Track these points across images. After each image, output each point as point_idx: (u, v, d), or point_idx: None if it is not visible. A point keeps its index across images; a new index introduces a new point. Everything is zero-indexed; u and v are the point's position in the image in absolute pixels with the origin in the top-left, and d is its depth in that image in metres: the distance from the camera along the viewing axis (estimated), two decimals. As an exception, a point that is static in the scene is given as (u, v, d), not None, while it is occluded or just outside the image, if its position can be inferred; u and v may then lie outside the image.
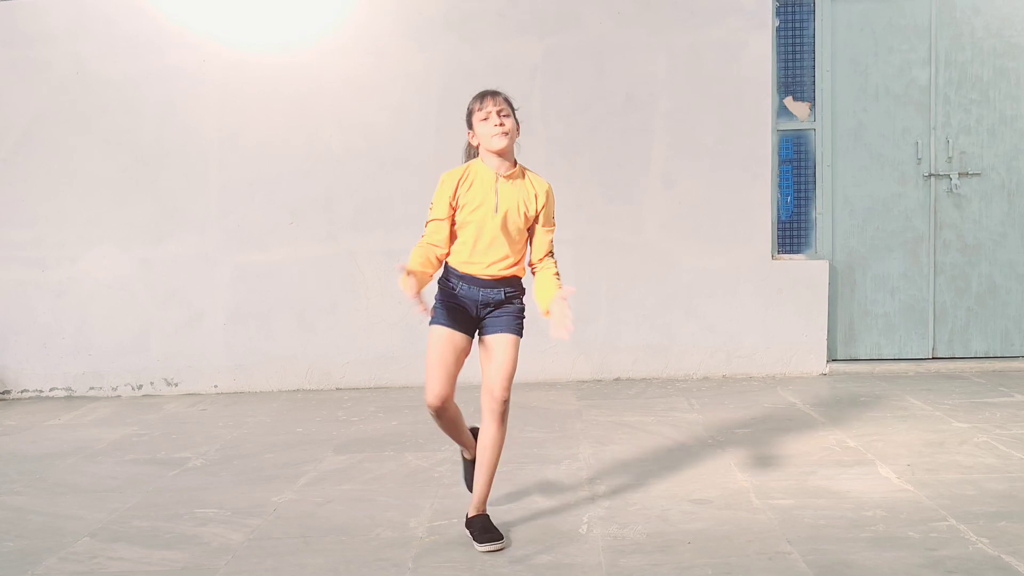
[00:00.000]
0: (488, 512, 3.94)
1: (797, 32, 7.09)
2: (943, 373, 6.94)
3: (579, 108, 7.04)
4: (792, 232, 7.17)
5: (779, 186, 7.15)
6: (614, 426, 5.67)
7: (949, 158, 7.11)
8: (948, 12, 7.06)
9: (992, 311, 7.16)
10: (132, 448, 5.61)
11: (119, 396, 7.16)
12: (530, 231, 3.98)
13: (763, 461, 4.88)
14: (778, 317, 7.06)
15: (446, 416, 3.93)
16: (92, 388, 7.17)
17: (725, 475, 4.68)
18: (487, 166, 3.91)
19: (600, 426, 5.70)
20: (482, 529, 3.86)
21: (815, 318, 7.04)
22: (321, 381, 7.15)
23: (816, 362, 7.06)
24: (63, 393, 7.19)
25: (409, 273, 3.69)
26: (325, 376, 7.14)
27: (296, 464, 5.11)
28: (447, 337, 3.88)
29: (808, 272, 7.06)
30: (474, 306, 3.91)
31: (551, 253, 4.00)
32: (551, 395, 6.66)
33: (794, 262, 7.10)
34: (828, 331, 7.08)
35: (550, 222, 4.00)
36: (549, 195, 3.97)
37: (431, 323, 3.92)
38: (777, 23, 7.08)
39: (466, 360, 3.95)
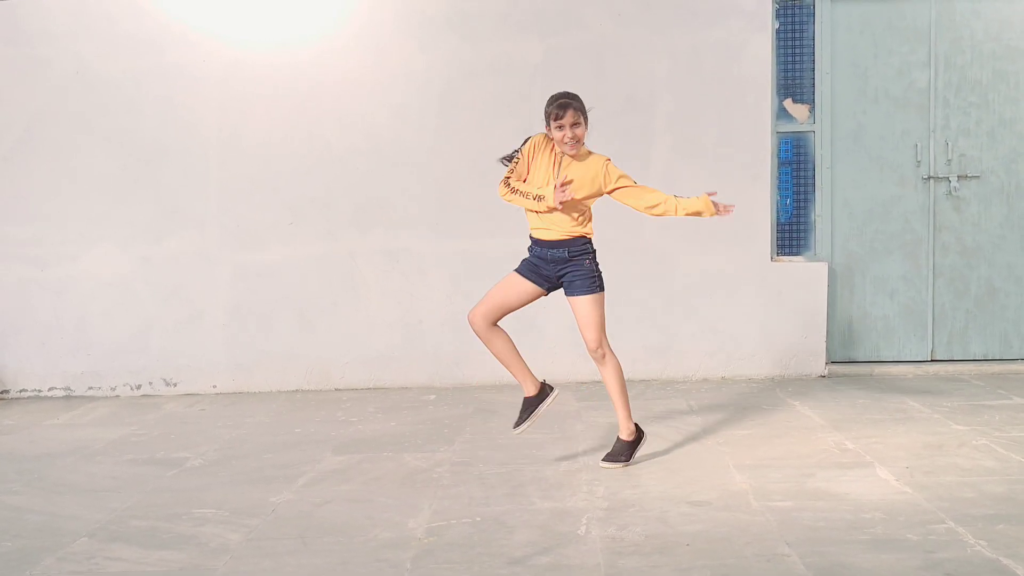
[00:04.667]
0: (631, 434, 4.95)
1: (797, 34, 7.10)
2: (942, 375, 6.95)
3: (579, 109, 7.03)
4: (791, 234, 7.17)
5: (778, 188, 7.16)
6: (613, 427, 5.65)
7: (948, 161, 7.11)
8: (948, 15, 7.06)
9: (991, 314, 7.17)
10: (131, 448, 5.61)
11: (118, 396, 7.16)
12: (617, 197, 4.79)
13: (762, 463, 4.88)
14: (777, 319, 7.06)
15: (489, 340, 4.80)
16: (91, 388, 7.17)
17: (724, 477, 4.68)
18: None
19: (599, 427, 5.70)
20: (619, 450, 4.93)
21: (814, 320, 7.04)
22: (320, 381, 7.14)
23: (815, 364, 7.06)
24: (62, 392, 7.19)
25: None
26: (324, 376, 7.14)
27: (295, 464, 5.11)
28: (514, 279, 4.83)
29: (807, 274, 7.06)
30: (546, 264, 4.79)
31: (654, 192, 4.78)
32: (550, 396, 6.65)
33: (793, 264, 7.10)
34: (827, 333, 7.08)
35: (624, 180, 4.74)
36: (601, 170, 4.73)
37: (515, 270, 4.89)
38: (777, 25, 7.08)
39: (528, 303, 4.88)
